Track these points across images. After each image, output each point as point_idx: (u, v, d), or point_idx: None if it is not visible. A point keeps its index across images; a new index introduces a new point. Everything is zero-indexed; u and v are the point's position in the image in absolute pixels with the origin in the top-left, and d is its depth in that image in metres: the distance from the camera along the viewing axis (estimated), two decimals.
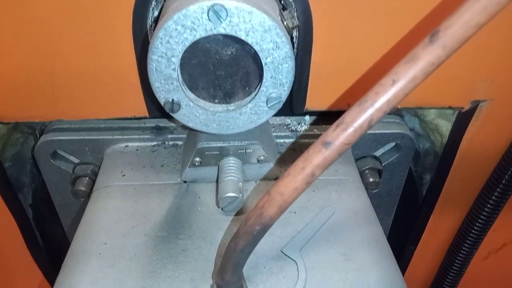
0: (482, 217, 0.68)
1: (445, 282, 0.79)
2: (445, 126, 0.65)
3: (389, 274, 0.45)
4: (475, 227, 0.69)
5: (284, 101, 0.47)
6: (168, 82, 0.45)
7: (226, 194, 0.48)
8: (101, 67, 0.54)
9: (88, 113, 0.60)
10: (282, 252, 0.46)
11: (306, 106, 0.59)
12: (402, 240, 0.81)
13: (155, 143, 0.62)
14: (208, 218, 0.51)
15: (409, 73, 0.29)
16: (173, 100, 0.46)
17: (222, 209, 0.49)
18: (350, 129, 0.31)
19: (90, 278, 0.43)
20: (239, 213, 0.51)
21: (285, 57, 0.44)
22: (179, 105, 0.46)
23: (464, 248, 0.73)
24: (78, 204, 0.67)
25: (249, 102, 0.48)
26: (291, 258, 0.45)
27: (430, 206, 0.73)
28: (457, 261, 0.74)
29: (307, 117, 0.63)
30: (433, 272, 0.85)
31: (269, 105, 0.46)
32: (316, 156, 0.32)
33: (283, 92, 0.46)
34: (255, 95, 0.47)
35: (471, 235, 0.70)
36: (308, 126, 0.63)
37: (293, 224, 0.49)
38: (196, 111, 0.48)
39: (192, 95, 0.48)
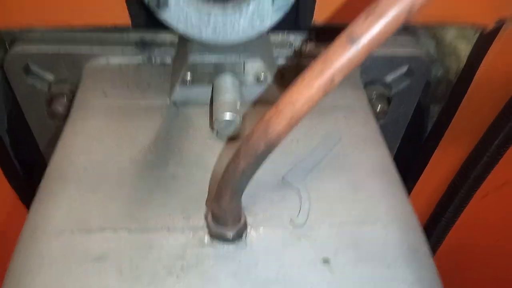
0: (491, 149, 0.64)
1: (442, 219, 0.77)
2: (464, 50, 0.58)
3: (399, 206, 0.41)
4: (483, 159, 0.65)
5: (292, 2, 0.40)
6: None
7: (221, 114, 0.42)
8: None
9: (62, 18, 0.51)
10: (284, 179, 0.41)
11: (314, 19, 0.51)
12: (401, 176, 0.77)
13: (140, 59, 0.55)
14: (201, 143, 0.45)
15: None
16: None
17: (216, 132, 0.44)
18: (385, 19, 0.24)
19: (68, 204, 0.38)
20: (235, 138, 0.46)
21: None
22: (167, 1, 0.39)
23: (467, 183, 0.69)
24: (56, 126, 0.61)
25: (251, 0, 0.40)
26: (293, 187, 0.40)
27: (435, 141, 0.69)
28: (459, 195, 0.71)
29: (313, 34, 0.55)
30: (429, 211, 0.82)
31: (275, 6, 0.39)
32: (339, 56, 0.26)
33: None
34: None
35: (477, 168, 0.66)
36: (315, 45, 0.55)
37: (296, 152, 0.44)
38: (187, 10, 0.40)
39: None
